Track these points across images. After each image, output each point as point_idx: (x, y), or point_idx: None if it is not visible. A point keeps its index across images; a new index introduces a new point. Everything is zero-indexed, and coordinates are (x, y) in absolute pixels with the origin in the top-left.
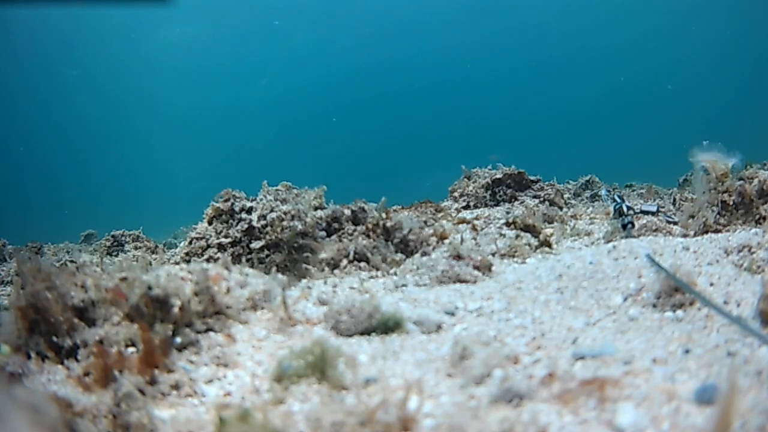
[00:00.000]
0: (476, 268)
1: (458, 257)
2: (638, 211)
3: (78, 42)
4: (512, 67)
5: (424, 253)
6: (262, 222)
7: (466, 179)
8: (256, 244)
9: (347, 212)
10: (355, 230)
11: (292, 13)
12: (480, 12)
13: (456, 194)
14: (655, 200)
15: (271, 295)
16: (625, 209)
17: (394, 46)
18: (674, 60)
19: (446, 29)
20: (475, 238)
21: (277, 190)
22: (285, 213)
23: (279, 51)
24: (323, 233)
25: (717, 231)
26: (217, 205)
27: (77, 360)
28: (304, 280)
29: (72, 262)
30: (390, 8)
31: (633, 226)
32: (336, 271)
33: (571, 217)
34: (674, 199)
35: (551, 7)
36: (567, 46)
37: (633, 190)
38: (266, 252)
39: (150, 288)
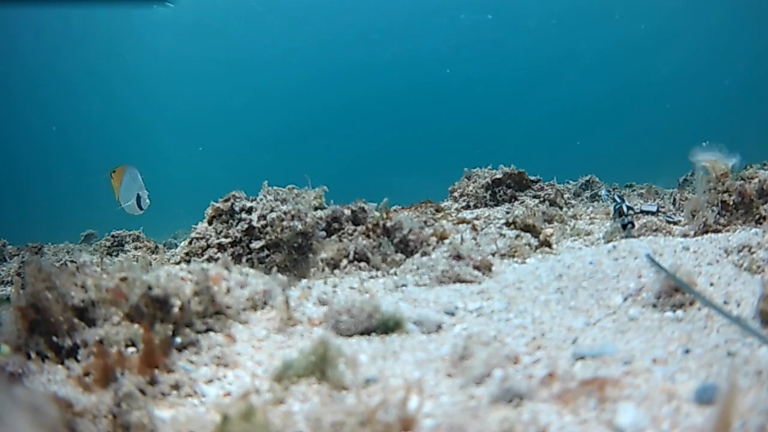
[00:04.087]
0: (476, 268)
1: (458, 257)
2: (638, 211)
3: (79, 41)
4: (512, 68)
5: (424, 253)
6: (262, 222)
7: (466, 179)
8: (256, 244)
9: (347, 212)
10: (355, 230)
11: (292, 12)
12: (482, 12)
13: (456, 194)
14: (655, 200)
15: (271, 295)
16: (625, 209)
17: (396, 45)
18: (674, 60)
19: (448, 30)
20: (475, 238)
21: (277, 190)
22: (285, 213)
23: (279, 51)
24: (323, 233)
25: (717, 231)
26: (217, 205)
27: (77, 360)
28: (304, 280)
29: (72, 262)
30: (391, 7)
31: (633, 226)
32: (336, 271)
33: (571, 217)
34: (674, 199)
35: (551, 8)
36: (567, 48)
37: (633, 190)
38: (266, 252)
39: (150, 288)
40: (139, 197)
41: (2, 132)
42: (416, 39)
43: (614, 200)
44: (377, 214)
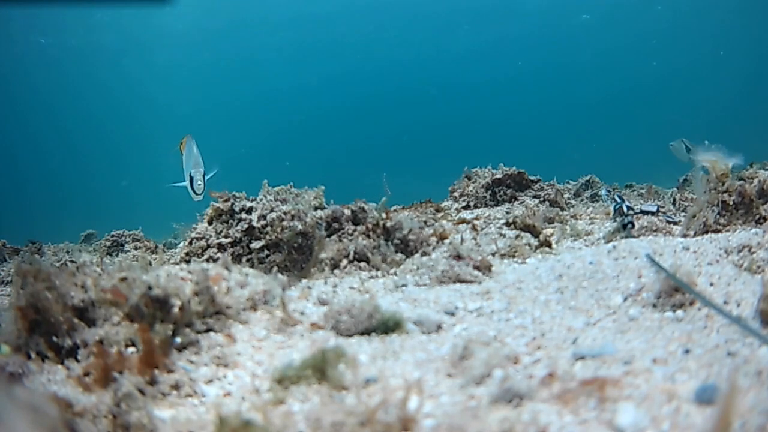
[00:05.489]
0: (476, 268)
1: (458, 257)
2: (638, 211)
3: (79, 41)
4: (514, 69)
5: (424, 253)
6: (262, 222)
7: (466, 179)
8: (256, 244)
9: (347, 212)
10: (355, 230)
11: (293, 14)
12: (483, 17)
13: (456, 194)
14: (655, 200)
15: (271, 295)
16: (625, 209)
17: (397, 48)
18: (675, 61)
19: (451, 33)
20: (475, 238)
21: (277, 190)
22: (285, 213)
23: (280, 51)
24: (323, 233)
25: (717, 231)
26: (217, 205)
27: (77, 360)
28: (304, 280)
29: (72, 262)
30: (394, 11)
31: (633, 226)
32: (336, 271)
33: (571, 217)
34: (674, 199)
35: (552, 11)
36: (568, 49)
37: (633, 190)
38: (266, 252)
39: (150, 288)
40: (191, 178)
41: (2, 132)
42: (420, 42)
43: (614, 200)
44: (377, 214)
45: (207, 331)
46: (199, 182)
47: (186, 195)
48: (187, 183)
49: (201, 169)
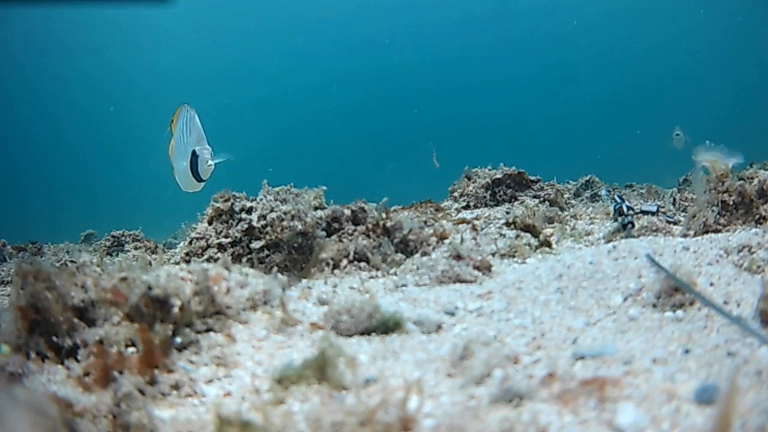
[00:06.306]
0: (476, 268)
1: (458, 257)
2: (638, 211)
3: (77, 41)
4: (514, 69)
5: (424, 253)
6: (262, 222)
7: (466, 179)
8: (256, 244)
9: (347, 212)
10: (355, 230)
11: (295, 13)
12: (485, 19)
13: (456, 194)
14: (655, 200)
15: (271, 295)
16: (625, 209)
17: (399, 50)
18: (676, 61)
19: (452, 35)
20: (475, 238)
21: (277, 190)
22: (285, 213)
23: (280, 52)
24: (323, 233)
25: (717, 231)
26: (217, 205)
27: (77, 360)
28: (304, 280)
29: (72, 262)
30: (393, 12)
31: (633, 226)
32: (336, 271)
33: (572, 217)
34: (674, 199)
35: (554, 13)
36: (568, 49)
37: (633, 190)
38: (266, 252)
39: (150, 288)
40: (195, 158)
41: (2, 132)
42: (421, 44)
43: (614, 200)
44: (377, 214)
45: (207, 331)
46: (209, 161)
47: (186, 195)
48: (184, 164)
49: (208, 147)
